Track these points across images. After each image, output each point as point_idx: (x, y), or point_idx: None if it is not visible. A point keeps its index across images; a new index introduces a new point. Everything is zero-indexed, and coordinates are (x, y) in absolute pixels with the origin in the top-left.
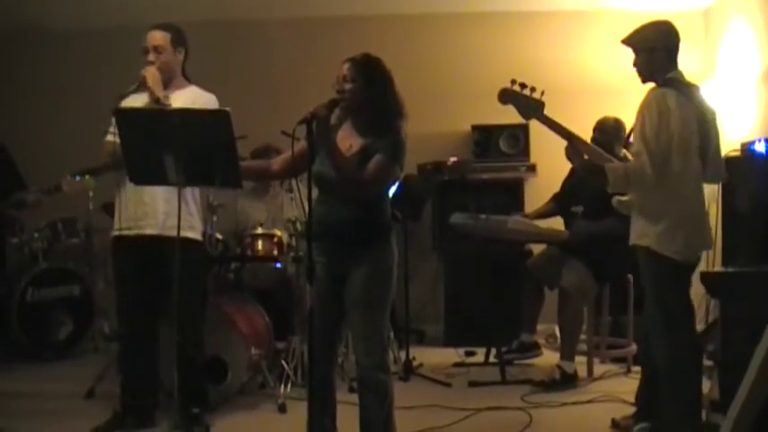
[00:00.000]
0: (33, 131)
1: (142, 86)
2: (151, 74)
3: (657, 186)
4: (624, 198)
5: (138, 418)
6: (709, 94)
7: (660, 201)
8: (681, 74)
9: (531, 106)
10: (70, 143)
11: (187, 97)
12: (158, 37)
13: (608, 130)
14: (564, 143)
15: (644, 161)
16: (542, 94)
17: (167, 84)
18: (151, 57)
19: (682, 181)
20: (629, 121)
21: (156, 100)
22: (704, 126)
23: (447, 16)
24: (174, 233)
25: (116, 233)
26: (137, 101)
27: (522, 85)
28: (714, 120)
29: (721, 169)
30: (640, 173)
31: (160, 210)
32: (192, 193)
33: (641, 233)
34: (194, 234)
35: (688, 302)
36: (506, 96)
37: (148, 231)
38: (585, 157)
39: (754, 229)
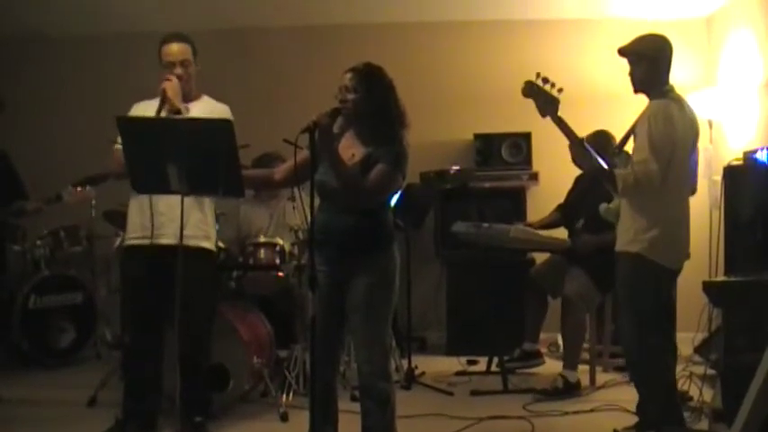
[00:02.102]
0: (34, 139)
1: (163, 101)
2: (171, 86)
3: (659, 193)
4: (612, 205)
5: (141, 426)
6: (711, 103)
7: (656, 207)
8: (673, 87)
9: (548, 102)
10: (71, 151)
11: (203, 108)
12: (184, 50)
13: (594, 145)
14: (567, 152)
15: (652, 169)
16: (560, 91)
17: (189, 95)
18: (178, 70)
19: (677, 189)
20: (626, 127)
21: (176, 111)
22: (694, 139)
23: (449, 25)
24: (189, 243)
25: (130, 242)
26: (148, 109)
27: (545, 80)
28: (699, 133)
29: (695, 182)
30: (649, 179)
31: (176, 220)
32: (210, 202)
33: (631, 239)
34: (209, 244)
35: (669, 308)
36: (529, 90)
37: (164, 241)
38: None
39: (756, 237)
